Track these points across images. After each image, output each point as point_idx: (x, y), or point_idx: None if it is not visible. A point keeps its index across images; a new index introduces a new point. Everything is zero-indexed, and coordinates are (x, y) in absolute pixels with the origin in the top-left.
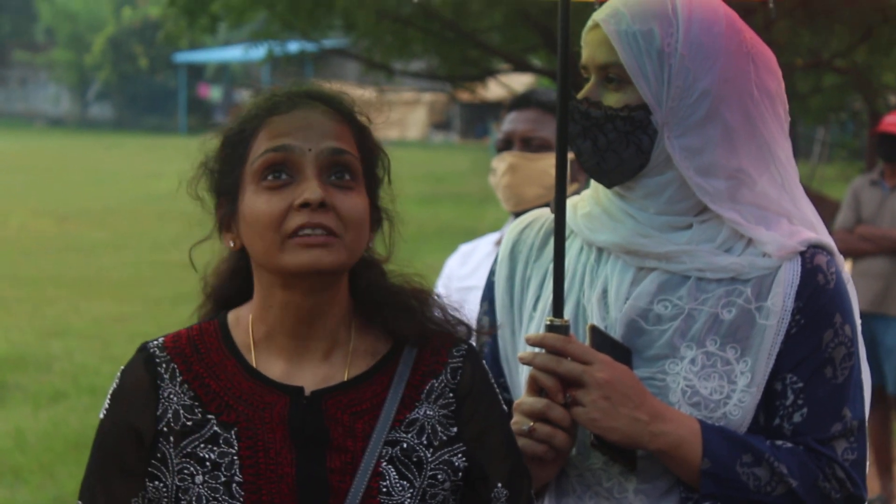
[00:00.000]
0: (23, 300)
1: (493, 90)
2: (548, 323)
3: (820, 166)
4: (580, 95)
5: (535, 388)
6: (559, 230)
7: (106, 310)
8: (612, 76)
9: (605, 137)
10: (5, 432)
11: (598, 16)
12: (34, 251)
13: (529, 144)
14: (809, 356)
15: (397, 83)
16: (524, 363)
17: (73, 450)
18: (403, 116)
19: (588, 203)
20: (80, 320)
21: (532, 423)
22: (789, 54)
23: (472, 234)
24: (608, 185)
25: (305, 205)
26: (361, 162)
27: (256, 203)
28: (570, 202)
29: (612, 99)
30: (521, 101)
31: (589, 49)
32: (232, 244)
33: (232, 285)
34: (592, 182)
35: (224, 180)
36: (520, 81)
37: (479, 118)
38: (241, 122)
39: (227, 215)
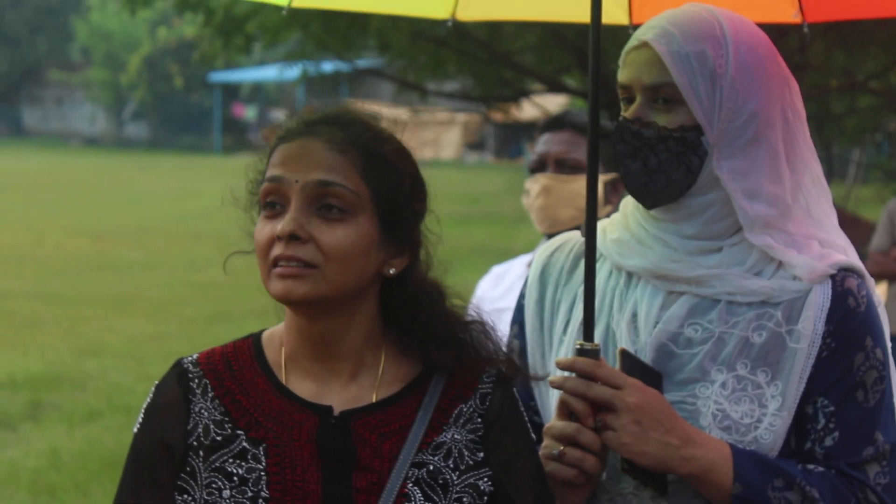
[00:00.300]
0: (58, 319)
1: (527, 111)
2: (578, 347)
3: (855, 187)
4: (629, 115)
5: (566, 412)
6: (590, 254)
7: (141, 329)
8: (662, 97)
9: (657, 158)
10: (40, 451)
11: (645, 35)
12: (69, 270)
13: (563, 166)
14: (840, 380)
15: (431, 103)
16: (555, 387)
17: (108, 469)
18: (437, 136)
19: (617, 229)
20: (114, 339)
21: (562, 448)
22: (823, 76)
23: (505, 255)
24: (650, 206)
25: (285, 236)
26: (368, 191)
27: (256, 229)
28: (600, 226)
29: (662, 120)
30: (555, 123)
31: (634, 68)
32: None
33: None
34: (621, 207)
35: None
36: (554, 102)
37: (513, 138)
38: (269, 147)
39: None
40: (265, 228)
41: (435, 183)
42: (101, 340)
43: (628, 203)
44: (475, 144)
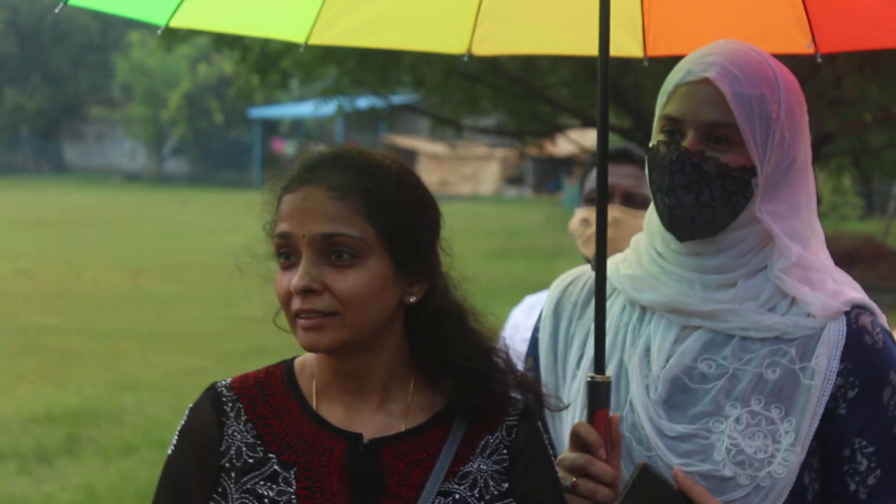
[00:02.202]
0: (96, 354)
1: (562, 146)
2: (588, 380)
3: (895, 222)
4: (689, 146)
5: (578, 444)
6: (600, 288)
7: (178, 363)
8: (717, 135)
9: (710, 193)
10: (76, 486)
11: (705, 71)
12: (108, 305)
13: (632, 200)
14: (874, 418)
15: (468, 139)
16: None
17: (143, 503)
18: (476, 171)
19: (631, 265)
20: (151, 374)
21: (575, 479)
22: (859, 110)
23: (543, 290)
24: (686, 239)
25: (299, 290)
26: (375, 232)
27: (276, 279)
28: (613, 261)
29: (719, 156)
30: (619, 155)
31: (690, 103)
32: None
33: None
34: (633, 243)
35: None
36: (589, 137)
37: (552, 173)
38: (274, 192)
39: None
40: (283, 280)
41: (473, 217)
42: (139, 375)
43: (641, 239)
44: (514, 179)
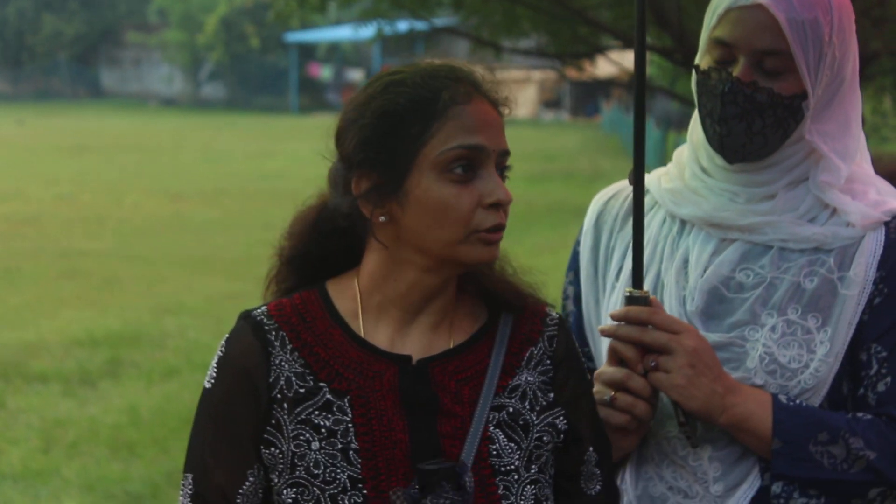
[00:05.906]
0: (137, 279)
1: (603, 67)
2: (627, 294)
3: None
4: (741, 76)
5: (616, 358)
6: (638, 202)
7: (218, 288)
8: (771, 63)
9: (762, 122)
10: (120, 408)
11: None
12: (148, 230)
13: None
14: (894, 326)
15: (506, 61)
16: (606, 335)
17: (186, 425)
18: (514, 95)
19: (672, 179)
20: (192, 298)
21: (613, 393)
22: None
23: (582, 213)
24: (736, 162)
25: (495, 205)
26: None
27: (443, 194)
28: (655, 174)
29: (770, 84)
30: None
31: (742, 28)
32: (382, 219)
33: (318, 248)
34: (675, 157)
35: (383, 154)
36: (630, 58)
37: (589, 96)
38: (412, 100)
39: (382, 190)
40: (462, 194)
41: (511, 141)
42: (179, 299)
43: (683, 153)
44: (551, 102)
